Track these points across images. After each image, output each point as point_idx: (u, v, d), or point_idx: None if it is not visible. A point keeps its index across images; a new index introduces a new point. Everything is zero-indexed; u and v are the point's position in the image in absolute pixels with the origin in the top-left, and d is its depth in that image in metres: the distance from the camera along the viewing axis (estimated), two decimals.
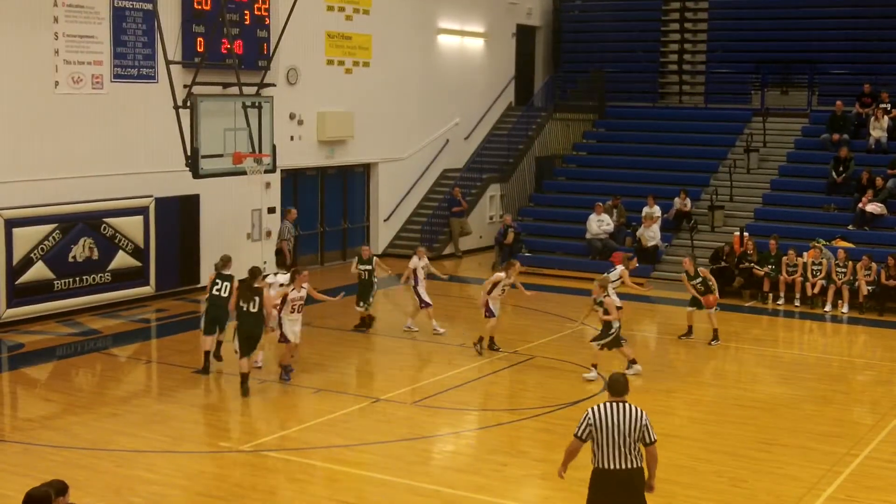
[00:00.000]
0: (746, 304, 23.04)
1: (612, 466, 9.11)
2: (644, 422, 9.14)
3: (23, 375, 17.10)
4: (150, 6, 21.19)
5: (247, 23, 23.40)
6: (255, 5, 23.63)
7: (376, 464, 13.01)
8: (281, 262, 24.39)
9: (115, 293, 21.25)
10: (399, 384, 16.15)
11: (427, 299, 19.60)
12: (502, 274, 18.17)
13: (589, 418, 9.17)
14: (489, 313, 18.11)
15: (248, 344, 15.69)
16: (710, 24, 32.88)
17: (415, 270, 19.71)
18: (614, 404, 9.19)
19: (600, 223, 26.21)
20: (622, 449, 9.08)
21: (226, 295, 16.53)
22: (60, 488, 8.18)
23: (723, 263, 23.59)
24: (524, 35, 33.87)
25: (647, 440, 9.17)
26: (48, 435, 13.80)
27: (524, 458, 13.35)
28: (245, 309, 15.66)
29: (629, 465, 9.13)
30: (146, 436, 13.78)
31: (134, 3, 21.46)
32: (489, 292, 18.09)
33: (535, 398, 15.92)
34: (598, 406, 9.21)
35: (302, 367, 17.09)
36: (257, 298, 15.65)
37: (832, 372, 18.23)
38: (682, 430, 14.34)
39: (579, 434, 9.22)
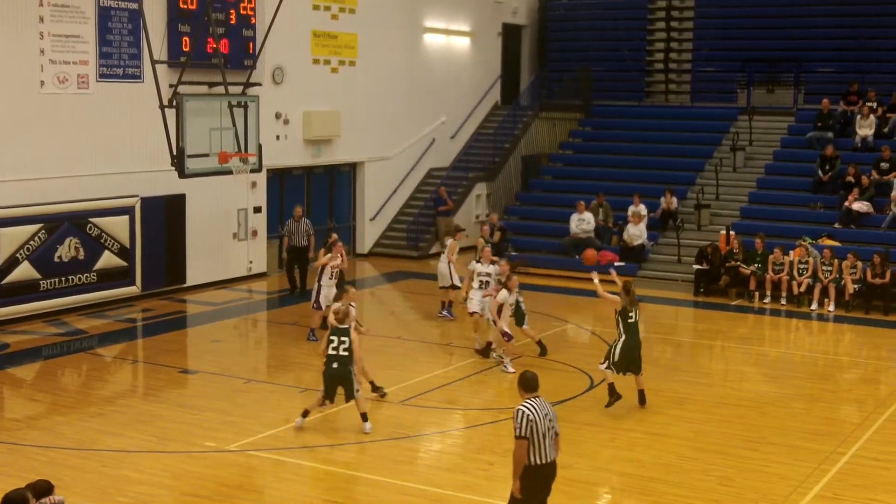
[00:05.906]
0: (733, 303, 23.08)
1: (548, 459, 9.52)
2: (553, 413, 9.64)
3: (9, 375, 17.02)
4: (135, 6, 21.12)
5: (232, 22, 23.33)
6: (241, 4, 23.54)
7: (363, 463, 13.02)
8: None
9: (100, 293, 21.19)
10: (385, 383, 16.10)
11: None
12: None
13: (528, 416, 9.42)
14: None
15: None
16: (697, 22, 32.91)
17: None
18: (537, 399, 9.57)
19: (580, 222, 26.15)
20: (550, 441, 9.52)
21: None
22: (45, 488, 8.15)
23: (704, 265, 23.62)
24: (510, 34, 33.86)
25: (557, 430, 9.67)
26: (34, 435, 13.77)
27: (511, 457, 13.30)
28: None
29: (555, 457, 9.62)
30: (132, 436, 13.75)
31: (119, 2, 21.38)
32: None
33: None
34: (527, 404, 9.53)
35: (288, 366, 17.07)
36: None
37: (819, 370, 18.28)
38: (668, 429, 14.36)
39: (524, 434, 9.41)
